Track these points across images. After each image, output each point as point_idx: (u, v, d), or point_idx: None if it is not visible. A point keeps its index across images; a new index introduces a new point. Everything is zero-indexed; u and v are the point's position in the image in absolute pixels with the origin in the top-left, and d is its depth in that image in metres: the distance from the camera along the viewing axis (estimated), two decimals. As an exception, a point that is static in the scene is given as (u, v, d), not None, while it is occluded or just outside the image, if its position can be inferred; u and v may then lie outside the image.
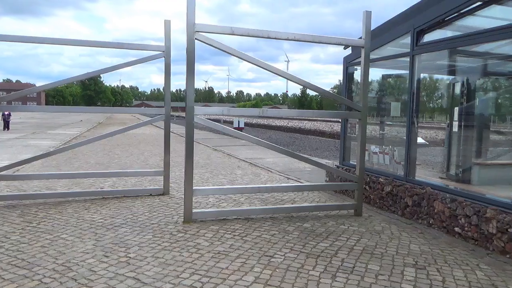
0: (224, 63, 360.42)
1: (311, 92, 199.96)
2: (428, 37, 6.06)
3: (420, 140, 20.11)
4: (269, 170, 10.60)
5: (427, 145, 21.00)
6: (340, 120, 9.29)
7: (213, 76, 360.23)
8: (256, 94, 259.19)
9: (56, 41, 6.20)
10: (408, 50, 6.21)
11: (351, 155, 7.96)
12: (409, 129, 6.27)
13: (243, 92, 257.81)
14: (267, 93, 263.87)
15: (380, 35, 6.76)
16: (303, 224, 5.39)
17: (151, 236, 4.68)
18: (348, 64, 7.75)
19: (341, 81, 8.10)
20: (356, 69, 7.89)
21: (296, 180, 9.10)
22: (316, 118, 56.04)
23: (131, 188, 7.12)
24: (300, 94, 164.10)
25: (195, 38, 5.11)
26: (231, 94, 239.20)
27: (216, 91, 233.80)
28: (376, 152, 7.48)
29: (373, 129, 9.22)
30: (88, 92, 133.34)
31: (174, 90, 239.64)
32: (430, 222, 5.48)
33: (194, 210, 5.33)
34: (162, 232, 4.87)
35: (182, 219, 5.37)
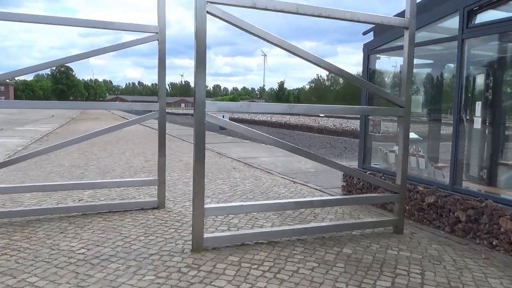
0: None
1: (288, 86, 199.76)
2: (481, 18, 5.05)
3: (412, 135, 19.44)
4: (269, 172, 9.47)
5: (420, 140, 20.36)
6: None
7: (189, 70, 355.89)
8: (233, 88, 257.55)
9: (40, 20, 4.93)
10: (451, 34, 5.18)
11: (373, 156, 6.92)
12: (456, 128, 5.24)
13: (220, 87, 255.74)
14: (244, 88, 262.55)
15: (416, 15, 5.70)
16: (342, 250, 4.30)
17: (153, 277, 3.48)
18: (370, 52, 6.68)
19: (361, 73, 7.03)
20: (379, 58, 6.84)
21: (304, 184, 8.01)
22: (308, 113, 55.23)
23: (119, 202, 5.83)
24: (277, 88, 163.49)
25: (207, 12, 3.91)
26: (208, 88, 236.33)
27: (192, 86, 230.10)
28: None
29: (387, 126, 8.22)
30: (60, 86, 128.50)
31: (150, 84, 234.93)
32: (493, 243, 4.49)
33: (205, 235, 4.14)
34: (167, 269, 3.67)
35: (190, 247, 4.18)
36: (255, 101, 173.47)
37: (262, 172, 9.55)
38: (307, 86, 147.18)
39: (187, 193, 6.76)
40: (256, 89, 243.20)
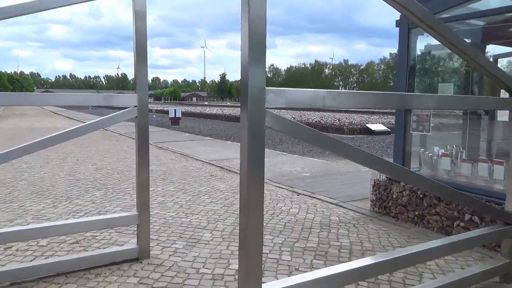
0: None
1: (231, 78, 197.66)
2: None
3: (380, 126, 18.51)
4: (257, 179, 7.66)
5: (388, 132, 19.60)
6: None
7: (125, 62, 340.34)
8: (173, 81, 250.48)
9: None
10: None
11: (411, 161, 5.35)
12: None
13: (160, 79, 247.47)
14: (184, 80, 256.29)
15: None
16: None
17: None
18: (412, 25, 5.05)
19: (397, 54, 5.39)
20: (426, 36, 5.24)
21: (311, 196, 6.31)
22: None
23: (76, 257, 3.62)
24: (220, 80, 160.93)
25: None
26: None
27: (130, 78, 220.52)
28: (456, 157, 4.94)
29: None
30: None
31: (82, 77, 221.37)
32: None
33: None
34: None
35: None
36: (197, 94, 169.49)
37: (248, 179, 7.70)
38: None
39: (171, 221, 4.77)
40: (197, 81, 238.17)
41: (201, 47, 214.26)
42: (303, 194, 6.48)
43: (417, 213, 4.81)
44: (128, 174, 7.77)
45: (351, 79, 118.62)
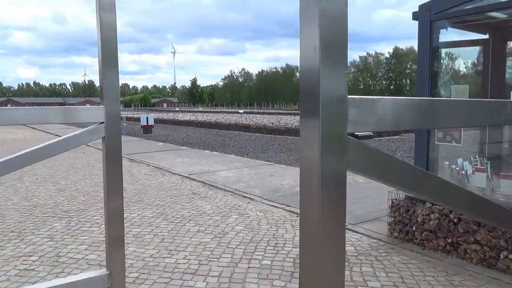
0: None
1: (202, 83, 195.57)
2: None
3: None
4: (246, 197, 6.74)
5: (371, 136, 19.05)
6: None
7: (92, 68, 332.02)
8: (143, 87, 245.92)
9: None
10: None
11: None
12: None
13: (129, 85, 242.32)
14: (154, 86, 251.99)
15: None
16: None
17: None
18: (434, 17, 4.27)
19: (419, 50, 4.58)
20: (446, 29, 4.48)
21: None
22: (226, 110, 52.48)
23: None
24: (190, 86, 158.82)
25: None
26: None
27: (97, 85, 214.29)
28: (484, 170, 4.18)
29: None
30: None
31: (47, 85, 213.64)
32: None
33: None
34: None
35: None
36: (168, 100, 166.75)
37: (236, 197, 6.77)
38: (221, 83, 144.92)
39: (152, 264, 3.78)
40: (167, 87, 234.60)
41: (171, 52, 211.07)
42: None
43: (449, 240, 4.02)
44: (95, 196, 6.68)
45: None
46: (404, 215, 4.47)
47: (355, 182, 7.79)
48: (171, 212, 5.67)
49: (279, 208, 6.03)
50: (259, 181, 8.05)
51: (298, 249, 4.19)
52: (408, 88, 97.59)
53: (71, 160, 11.41)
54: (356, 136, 17.78)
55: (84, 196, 6.72)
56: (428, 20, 4.30)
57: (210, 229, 4.91)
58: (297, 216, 5.56)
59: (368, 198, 6.45)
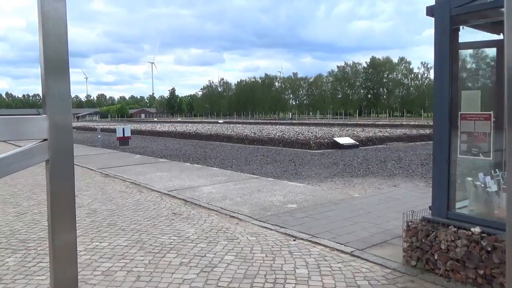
0: (79, 65, 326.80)
1: (180, 93, 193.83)
2: None
3: (348, 140, 17.49)
4: (234, 217, 6.02)
5: (357, 145, 18.56)
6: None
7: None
8: (120, 97, 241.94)
9: None
10: None
11: (458, 195, 3.95)
12: None
13: (105, 96, 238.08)
14: (132, 96, 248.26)
15: None
16: None
17: None
18: (455, 12, 3.68)
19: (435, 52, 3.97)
20: (463, 28, 3.90)
21: (314, 242, 4.76)
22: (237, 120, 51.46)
23: None
24: (169, 96, 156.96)
25: None
26: (91, 98, 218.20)
27: (73, 96, 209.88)
28: None
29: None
30: None
31: (20, 95, 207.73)
32: None
33: None
34: None
35: None
36: (146, 110, 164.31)
37: (223, 217, 6.04)
38: (200, 93, 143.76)
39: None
40: (145, 97, 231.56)
41: (149, 62, 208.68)
42: (301, 239, 4.92)
43: (481, 272, 3.39)
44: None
45: (301, 91, 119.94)
46: (423, 240, 3.84)
47: (351, 197, 7.17)
48: (148, 239, 4.89)
49: (272, 230, 5.33)
50: (246, 197, 7.33)
51: (302, 286, 3.49)
52: (385, 96, 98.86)
53: (39, 176, 10.41)
54: (341, 145, 17.35)
55: (47, 220, 5.85)
56: (447, 15, 3.72)
57: (195, 260, 4.16)
58: (294, 240, 4.87)
59: (369, 217, 5.82)
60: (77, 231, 4.39)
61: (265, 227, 5.46)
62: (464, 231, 3.54)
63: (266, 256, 4.29)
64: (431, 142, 16.40)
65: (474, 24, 3.98)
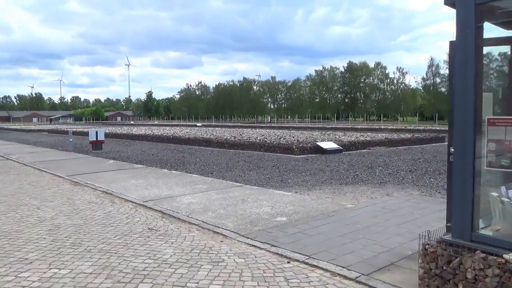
0: (53, 67, 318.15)
1: (157, 96, 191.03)
2: None
3: (331, 144, 17.05)
4: (218, 232, 5.35)
5: (341, 150, 18.12)
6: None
7: (40, 81, 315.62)
8: (96, 100, 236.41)
9: None
10: None
11: (482, 212, 3.40)
12: None
13: (80, 98, 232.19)
14: (108, 99, 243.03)
15: None
16: None
17: None
18: (481, 1, 3.16)
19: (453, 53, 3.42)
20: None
21: (311, 265, 4.15)
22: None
23: None
24: (146, 99, 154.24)
25: None
26: (66, 100, 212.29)
27: (46, 98, 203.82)
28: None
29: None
30: None
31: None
32: None
33: None
34: None
35: None
36: (122, 113, 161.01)
37: (205, 233, 5.36)
38: (178, 96, 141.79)
39: None
40: (121, 100, 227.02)
41: (125, 64, 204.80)
42: (296, 260, 4.30)
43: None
44: (16, 241, 5.02)
45: (279, 95, 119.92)
46: (444, 267, 3.27)
47: (344, 208, 6.62)
48: (118, 264, 4.16)
49: (262, 249, 4.69)
50: (230, 209, 6.67)
51: (306, 327, 2.87)
52: (362, 101, 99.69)
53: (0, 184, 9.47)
54: (325, 150, 16.90)
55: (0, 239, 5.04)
56: (472, 5, 3.19)
57: (174, 292, 3.47)
58: (288, 263, 4.25)
59: (368, 232, 5.26)
60: (33, 254, 3.67)
61: (254, 246, 4.81)
62: (494, 257, 3.00)
63: (259, 285, 3.64)
64: (413, 147, 16.18)
65: (503, 12, 3.46)
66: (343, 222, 5.74)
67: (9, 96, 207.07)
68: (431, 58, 76.66)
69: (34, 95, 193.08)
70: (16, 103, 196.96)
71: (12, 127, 59.50)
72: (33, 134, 39.39)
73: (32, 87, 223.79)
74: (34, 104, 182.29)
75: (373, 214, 6.20)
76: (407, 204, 6.89)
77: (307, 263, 4.20)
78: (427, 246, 3.42)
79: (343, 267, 4.05)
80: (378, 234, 5.14)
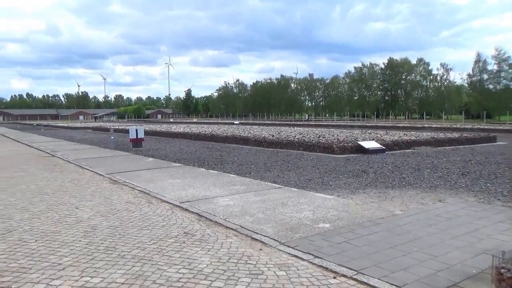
0: (97, 66, 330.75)
1: (196, 94, 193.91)
2: None
3: (373, 144, 16.32)
4: (256, 239, 5.02)
5: (383, 150, 17.35)
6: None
7: (86, 80, 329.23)
8: (137, 98, 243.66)
9: None
10: None
11: None
12: None
13: (123, 96, 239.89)
14: (149, 97, 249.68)
15: None
16: None
17: None
18: None
19: None
20: None
21: (359, 280, 3.74)
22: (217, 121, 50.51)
23: None
24: (185, 97, 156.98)
25: None
26: (109, 98, 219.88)
27: (91, 96, 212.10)
28: None
29: None
30: None
31: (40, 96, 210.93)
32: None
33: None
34: None
35: None
36: (162, 111, 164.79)
37: (243, 240, 5.05)
38: (216, 94, 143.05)
39: None
40: (161, 98, 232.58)
41: (165, 63, 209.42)
42: (344, 275, 3.89)
43: None
44: (52, 241, 4.92)
45: (317, 93, 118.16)
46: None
47: (392, 215, 6.11)
48: (152, 273, 3.93)
49: (305, 260, 4.32)
50: (269, 212, 6.33)
51: None
52: (403, 98, 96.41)
53: (43, 182, 9.64)
54: (367, 150, 16.20)
55: (36, 241, 4.96)
56: None
57: (210, 310, 3.17)
58: (334, 278, 3.85)
59: (422, 244, 4.75)
60: (67, 258, 3.46)
61: (295, 256, 4.45)
62: None
63: (303, 305, 3.28)
64: (462, 147, 15.01)
65: None
66: (393, 232, 5.25)
67: (57, 95, 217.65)
68: (478, 54, 72.32)
69: (80, 93, 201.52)
70: (64, 102, 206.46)
71: (60, 124, 62.17)
72: (79, 131, 40.84)
73: (79, 86, 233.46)
74: (80, 102, 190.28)
75: (426, 223, 5.66)
76: (464, 213, 6.27)
77: (356, 280, 3.78)
78: (502, 270, 2.92)
79: (397, 286, 3.60)
80: (434, 248, 4.62)
